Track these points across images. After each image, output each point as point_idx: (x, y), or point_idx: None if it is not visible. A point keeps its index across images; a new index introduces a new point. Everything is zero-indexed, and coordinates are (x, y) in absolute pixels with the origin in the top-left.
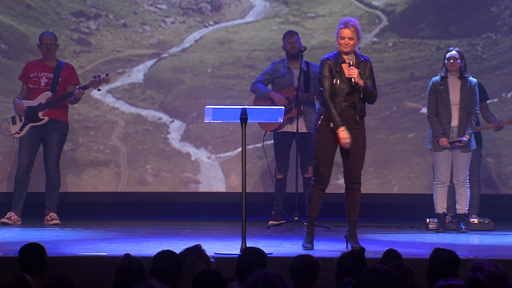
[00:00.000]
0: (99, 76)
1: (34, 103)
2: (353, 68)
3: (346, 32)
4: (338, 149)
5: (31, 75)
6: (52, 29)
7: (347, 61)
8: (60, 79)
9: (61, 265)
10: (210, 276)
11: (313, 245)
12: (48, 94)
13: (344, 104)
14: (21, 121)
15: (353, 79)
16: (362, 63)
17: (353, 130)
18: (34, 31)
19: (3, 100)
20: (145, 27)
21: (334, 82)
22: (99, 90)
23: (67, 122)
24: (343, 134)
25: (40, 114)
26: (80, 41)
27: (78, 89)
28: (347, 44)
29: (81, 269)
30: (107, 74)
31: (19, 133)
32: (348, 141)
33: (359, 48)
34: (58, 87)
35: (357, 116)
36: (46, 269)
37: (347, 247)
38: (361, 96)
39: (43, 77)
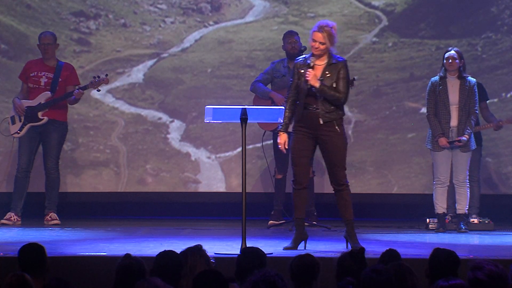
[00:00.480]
0: (98, 77)
1: (33, 103)
2: (310, 70)
3: (318, 36)
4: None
5: (31, 75)
6: (52, 29)
7: (313, 65)
8: (60, 79)
9: (61, 265)
10: (211, 276)
11: (295, 245)
12: (48, 94)
13: (310, 106)
14: (20, 121)
15: (307, 81)
16: (333, 65)
17: (320, 132)
18: (34, 31)
19: (3, 100)
20: (145, 27)
21: (298, 83)
22: (98, 90)
23: (67, 122)
24: (279, 138)
25: (39, 114)
26: (80, 41)
27: (77, 89)
28: (317, 48)
29: (81, 269)
30: (106, 75)
31: (18, 133)
32: (280, 146)
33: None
34: (58, 87)
35: (320, 119)
36: (46, 269)
37: (347, 247)
38: (322, 99)
39: (43, 76)
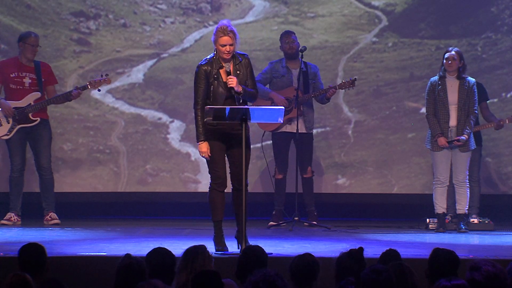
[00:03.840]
0: (101, 76)
1: (21, 103)
2: (232, 76)
3: (226, 40)
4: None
5: (11, 75)
6: (52, 29)
7: (224, 67)
8: (43, 79)
9: (61, 265)
10: (210, 276)
11: (226, 246)
12: (37, 94)
13: None
14: (8, 123)
15: (232, 89)
16: (241, 64)
17: (234, 132)
18: (34, 31)
19: None
20: (145, 27)
21: (212, 88)
22: (99, 90)
23: (49, 121)
24: (202, 147)
25: (30, 115)
26: (80, 41)
27: (75, 89)
28: (228, 51)
29: (81, 269)
30: (107, 75)
31: (8, 135)
32: (204, 155)
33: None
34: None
35: None
36: (45, 269)
37: (238, 247)
38: (241, 101)
39: (26, 77)
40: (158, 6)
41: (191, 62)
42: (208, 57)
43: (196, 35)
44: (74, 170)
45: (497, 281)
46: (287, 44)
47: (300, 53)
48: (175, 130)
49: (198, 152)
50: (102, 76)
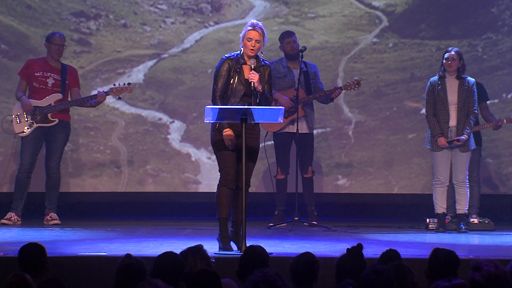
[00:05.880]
0: (124, 84)
1: (42, 103)
2: (254, 72)
3: (254, 34)
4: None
5: (35, 74)
6: (52, 29)
7: (248, 63)
8: (67, 82)
9: (61, 265)
10: (205, 276)
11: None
12: (59, 96)
13: (240, 105)
14: (27, 121)
15: (253, 83)
16: (263, 67)
17: (246, 131)
18: (34, 31)
19: (3, 100)
20: (145, 27)
21: (231, 82)
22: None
23: (70, 122)
24: (229, 133)
25: (49, 116)
26: (80, 41)
27: (102, 91)
28: (254, 47)
29: (81, 269)
30: (129, 83)
31: (24, 132)
32: (231, 137)
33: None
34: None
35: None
36: (46, 269)
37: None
38: (258, 101)
39: (50, 77)
40: (159, 6)
41: (191, 62)
42: (234, 52)
43: (196, 35)
44: (75, 171)
45: (497, 283)
46: (289, 44)
47: (300, 53)
48: (176, 131)
49: (197, 153)
50: (124, 84)
